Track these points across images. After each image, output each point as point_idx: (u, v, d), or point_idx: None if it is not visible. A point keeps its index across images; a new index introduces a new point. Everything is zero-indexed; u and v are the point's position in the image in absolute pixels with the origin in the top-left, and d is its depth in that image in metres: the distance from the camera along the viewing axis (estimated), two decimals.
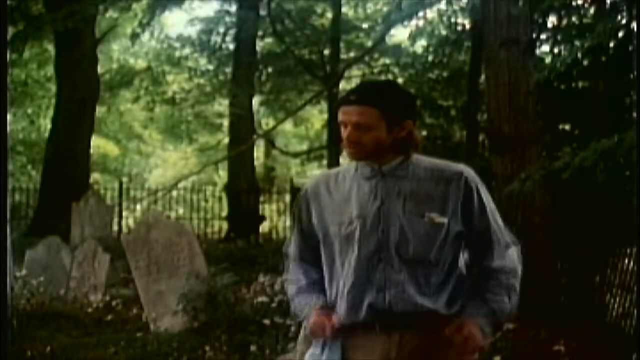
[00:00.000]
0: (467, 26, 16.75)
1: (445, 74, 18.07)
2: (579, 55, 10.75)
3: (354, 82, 22.94)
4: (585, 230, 10.73)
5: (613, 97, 11.76)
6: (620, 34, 10.82)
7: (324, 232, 3.31)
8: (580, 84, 12.50)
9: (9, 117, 7.97)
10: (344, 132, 3.23)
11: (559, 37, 12.18)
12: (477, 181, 3.40)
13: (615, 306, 10.29)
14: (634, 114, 12.11)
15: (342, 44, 21.72)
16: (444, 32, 18.60)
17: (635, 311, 9.51)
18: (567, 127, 13.09)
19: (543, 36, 12.35)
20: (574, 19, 12.16)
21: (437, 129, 17.43)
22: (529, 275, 10.21)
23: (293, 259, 3.49)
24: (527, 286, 9.90)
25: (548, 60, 13.37)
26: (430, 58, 19.01)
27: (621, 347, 8.12)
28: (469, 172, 3.39)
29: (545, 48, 13.42)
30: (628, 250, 10.45)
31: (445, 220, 3.25)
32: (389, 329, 3.21)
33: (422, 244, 3.22)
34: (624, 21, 10.60)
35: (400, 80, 20.59)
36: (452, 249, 3.30)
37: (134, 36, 19.87)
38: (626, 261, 10.45)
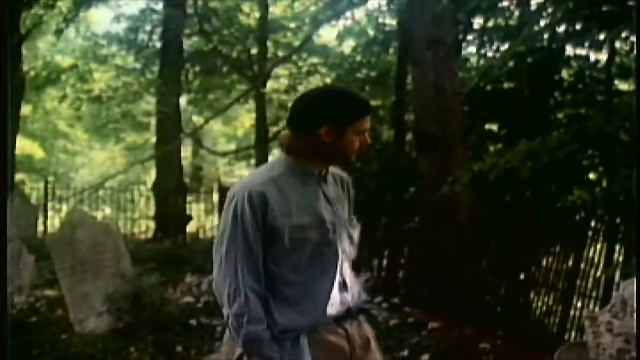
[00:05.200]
0: (395, 27, 16.82)
1: (373, 74, 18.14)
2: (505, 57, 10.88)
3: (282, 82, 22.99)
4: (510, 229, 10.85)
5: (538, 98, 11.91)
6: (546, 37, 10.98)
7: (290, 238, 3.26)
8: (506, 85, 12.63)
9: None
10: (363, 139, 3.36)
11: (485, 39, 12.34)
12: None
13: (540, 304, 10.43)
14: (559, 115, 12.30)
15: (269, 44, 21.70)
16: (372, 33, 18.67)
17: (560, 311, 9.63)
18: (493, 127, 13.21)
19: (470, 37, 12.50)
20: (500, 21, 12.32)
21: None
22: (455, 274, 10.34)
23: (245, 287, 3.20)
24: (454, 285, 10.03)
25: (474, 61, 13.54)
26: (358, 58, 19.07)
27: (545, 345, 8.22)
28: (347, 175, 3.65)
29: (472, 49, 13.59)
30: (552, 249, 10.59)
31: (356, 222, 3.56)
32: (343, 324, 3.39)
33: (355, 246, 3.51)
34: (549, 24, 10.74)
35: (328, 81, 20.67)
36: None
37: (58, 32, 19.58)
38: (550, 260, 10.60)
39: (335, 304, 3.35)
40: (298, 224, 3.26)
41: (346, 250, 3.43)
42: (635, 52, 11.61)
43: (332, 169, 3.50)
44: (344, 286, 3.40)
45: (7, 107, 5.06)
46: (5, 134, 4.92)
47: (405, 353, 7.90)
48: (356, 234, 3.52)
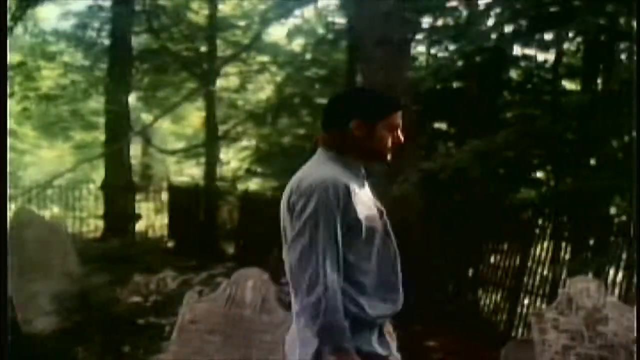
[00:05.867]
0: (345, 25, 16.82)
1: (322, 72, 18.14)
2: (454, 56, 10.95)
3: (231, 80, 22.89)
4: (459, 227, 10.92)
5: (486, 97, 12.00)
6: (494, 36, 11.06)
7: (365, 228, 3.32)
8: (455, 85, 12.71)
9: None
10: (396, 135, 3.46)
11: (434, 38, 12.40)
12: None
13: (488, 302, 10.52)
14: (507, 114, 12.40)
15: (218, 42, 21.59)
16: (321, 31, 18.66)
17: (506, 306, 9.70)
18: (443, 126, 13.29)
19: (419, 36, 12.55)
20: (449, 20, 12.39)
21: (315, 128, 17.50)
22: (404, 272, 10.35)
23: (324, 277, 3.17)
24: (403, 283, 10.05)
25: (424, 60, 13.60)
26: (307, 56, 19.05)
27: (492, 342, 8.29)
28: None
29: (421, 48, 13.65)
30: (500, 247, 10.69)
31: None
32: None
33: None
34: (497, 23, 10.83)
35: (278, 79, 20.62)
36: None
37: (8, 30, 19.27)
38: (498, 257, 10.69)
39: (398, 299, 3.48)
40: (370, 215, 3.34)
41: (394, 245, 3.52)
42: (582, 52, 11.79)
43: None
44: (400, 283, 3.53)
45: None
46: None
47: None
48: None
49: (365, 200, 3.35)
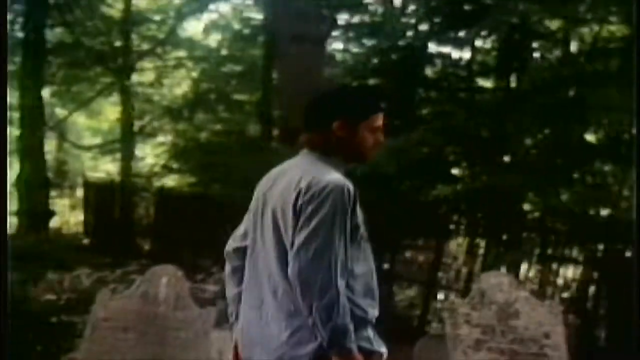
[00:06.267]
0: (261, 21, 16.79)
1: (239, 68, 18.09)
2: (370, 53, 11.00)
3: (147, 75, 22.67)
4: (374, 223, 10.97)
5: (403, 94, 12.08)
6: (410, 34, 11.15)
7: (360, 232, 3.33)
8: (371, 81, 12.76)
9: None
10: (377, 136, 3.43)
11: (350, 35, 12.45)
12: None
13: (403, 297, 10.61)
14: (423, 111, 12.51)
15: (134, 36, 21.36)
16: (237, 27, 18.59)
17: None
18: None
19: (335, 33, 12.60)
20: (365, 17, 12.45)
21: (232, 123, 17.45)
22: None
23: (336, 280, 3.16)
24: None
25: (340, 57, 13.66)
26: (224, 52, 18.98)
27: (407, 337, 8.36)
28: None
29: (338, 45, 13.70)
30: (414, 243, 10.78)
31: None
32: None
33: None
34: (412, 21, 10.92)
35: (194, 74, 20.50)
36: None
37: None
38: (413, 253, 10.79)
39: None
40: (362, 219, 3.34)
41: None
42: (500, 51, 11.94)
43: None
44: None
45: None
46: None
47: None
48: None
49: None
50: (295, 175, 3.30)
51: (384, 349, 3.40)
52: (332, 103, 3.44)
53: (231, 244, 3.71)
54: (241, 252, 3.59)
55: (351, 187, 3.22)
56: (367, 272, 3.38)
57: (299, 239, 3.17)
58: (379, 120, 3.42)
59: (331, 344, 3.15)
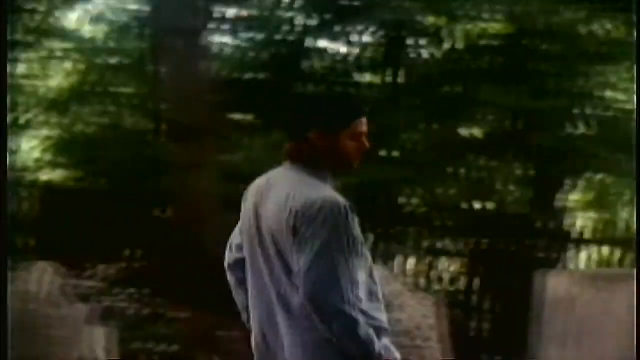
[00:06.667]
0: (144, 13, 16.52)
1: (125, 61, 17.77)
2: (252, 47, 10.94)
3: (26, 66, 22.10)
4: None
5: (286, 89, 12.06)
6: (296, 29, 11.13)
7: (360, 243, 3.22)
8: (256, 75, 12.71)
9: None
10: (361, 143, 3.28)
11: (233, 28, 12.36)
12: None
13: None
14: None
15: (12, 26, 20.78)
16: (122, 18, 18.24)
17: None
18: (245, 117, 13.25)
19: (213, 26, 12.46)
20: (247, 10, 12.36)
21: (118, 117, 17.16)
22: (201, 266, 10.25)
23: (351, 298, 3.08)
24: (204, 275, 9.94)
25: (223, 50, 13.54)
26: (109, 44, 18.62)
27: None
28: None
29: (221, 39, 13.57)
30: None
31: None
32: None
33: None
34: (292, 15, 10.91)
35: (76, 66, 20.04)
36: None
37: None
38: None
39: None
40: (359, 228, 3.23)
41: None
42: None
43: None
44: None
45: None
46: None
47: (152, 344, 7.81)
48: None
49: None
50: (283, 191, 3.19)
51: (398, 356, 3.29)
52: (309, 112, 3.31)
53: (230, 257, 3.60)
54: (241, 263, 3.46)
55: (344, 202, 3.14)
56: (367, 277, 3.29)
57: (303, 264, 3.08)
58: (362, 126, 3.29)
59: (365, 357, 3.10)
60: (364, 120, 3.29)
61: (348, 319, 3.07)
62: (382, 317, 3.28)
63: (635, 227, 8.94)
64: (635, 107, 8.39)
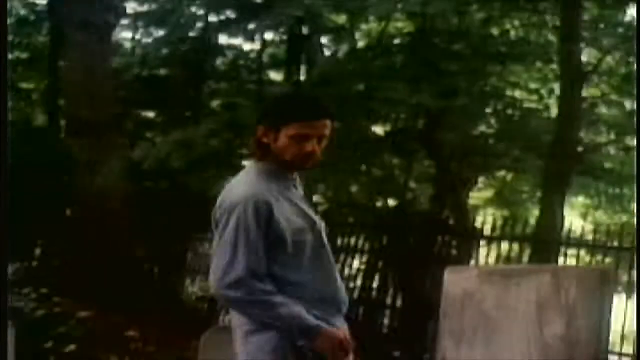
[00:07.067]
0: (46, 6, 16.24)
1: (24, 55, 17.44)
2: (159, 43, 10.86)
3: None
4: (165, 216, 10.87)
5: (192, 86, 12.00)
6: (200, 24, 11.07)
7: (292, 241, 3.26)
8: (161, 72, 12.62)
9: None
10: (306, 145, 3.25)
11: (139, 24, 12.24)
12: None
13: (195, 290, 10.54)
14: (214, 103, 12.46)
15: None
16: (22, 12, 17.91)
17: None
18: (149, 114, 13.15)
19: (124, 22, 12.34)
20: (153, 6, 12.27)
21: (18, 113, 16.82)
22: (108, 262, 10.10)
23: (252, 276, 3.16)
24: (106, 273, 9.82)
25: (129, 46, 13.41)
26: (9, 38, 18.25)
27: (197, 329, 8.29)
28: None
29: (126, 34, 13.44)
30: (206, 236, 10.74)
31: None
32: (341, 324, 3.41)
33: None
34: (202, 12, 10.84)
35: None
36: None
37: None
38: (206, 246, 10.74)
39: (337, 301, 3.41)
40: (296, 228, 3.25)
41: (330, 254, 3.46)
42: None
43: None
44: (340, 286, 3.45)
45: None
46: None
47: (50, 344, 7.68)
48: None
49: (291, 213, 3.27)
50: (226, 187, 3.32)
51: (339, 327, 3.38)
52: (261, 109, 3.45)
53: None
54: None
55: (260, 200, 3.18)
56: (315, 278, 3.32)
57: (213, 255, 3.25)
58: (306, 128, 3.25)
59: (297, 337, 3.19)
60: (314, 123, 3.26)
61: (256, 310, 3.19)
62: (330, 318, 3.33)
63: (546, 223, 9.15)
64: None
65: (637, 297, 6.41)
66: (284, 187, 3.33)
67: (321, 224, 3.41)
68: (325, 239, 3.41)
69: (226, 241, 3.18)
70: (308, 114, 3.26)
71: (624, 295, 7.96)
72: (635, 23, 10.31)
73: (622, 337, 7.22)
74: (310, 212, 3.41)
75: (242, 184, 3.27)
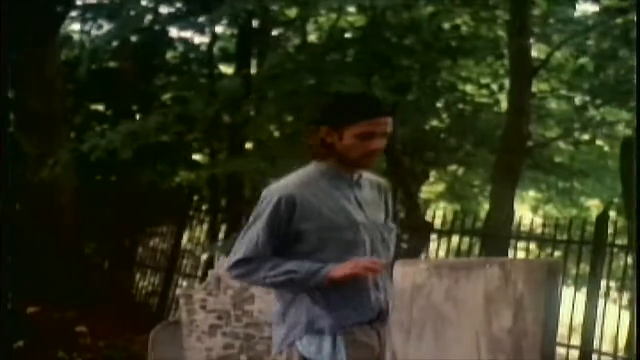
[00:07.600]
0: None
1: None
2: (109, 36, 10.78)
3: None
4: (115, 210, 10.81)
5: (143, 79, 11.93)
6: (150, 17, 11.00)
7: (316, 235, 3.34)
8: (111, 64, 12.54)
9: None
10: (371, 143, 3.32)
11: (88, 16, 12.12)
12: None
13: (145, 284, 10.50)
14: (165, 96, 12.38)
15: None
16: None
17: None
18: (99, 107, 13.06)
19: (73, 14, 12.23)
20: None
21: None
22: (57, 257, 10.03)
23: (248, 261, 3.36)
24: (55, 268, 9.75)
25: (78, 38, 13.29)
26: None
27: (146, 324, 8.26)
28: (385, 181, 3.72)
29: (75, 26, 13.31)
30: (156, 229, 10.70)
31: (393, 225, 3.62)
32: (376, 325, 3.40)
33: (388, 248, 3.53)
34: (152, 5, 10.77)
35: None
36: None
37: None
38: (155, 240, 10.70)
39: (370, 305, 3.39)
40: (326, 225, 3.31)
41: (379, 252, 3.44)
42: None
43: (371, 175, 3.57)
44: (377, 287, 3.41)
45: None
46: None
47: None
48: (391, 237, 3.55)
49: (328, 210, 3.34)
50: None
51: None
52: (322, 110, 3.43)
53: None
54: None
55: (287, 193, 3.30)
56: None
57: None
58: (370, 127, 3.31)
59: (305, 285, 3.29)
60: (376, 121, 3.33)
61: (264, 281, 3.36)
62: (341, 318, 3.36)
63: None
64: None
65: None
66: (337, 186, 3.40)
67: (368, 224, 3.43)
68: (364, 239, 3.40)
69: (249, 226, 3.36)
70: (373, 112, 3.33)
71: (572, 288, 8.07)
72: (596, 18, 10.51)
73: (570, 329, 7.30)
74: (358, 211, 3.43)
75: (284, 180, 3.41)
